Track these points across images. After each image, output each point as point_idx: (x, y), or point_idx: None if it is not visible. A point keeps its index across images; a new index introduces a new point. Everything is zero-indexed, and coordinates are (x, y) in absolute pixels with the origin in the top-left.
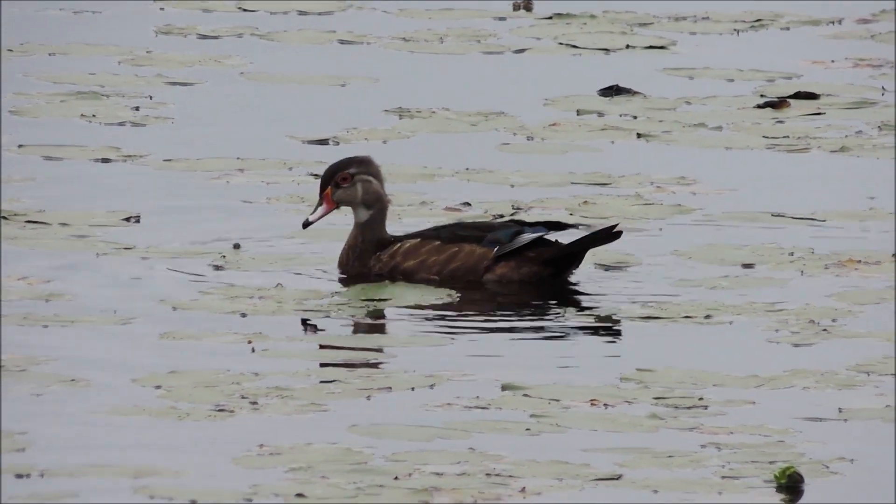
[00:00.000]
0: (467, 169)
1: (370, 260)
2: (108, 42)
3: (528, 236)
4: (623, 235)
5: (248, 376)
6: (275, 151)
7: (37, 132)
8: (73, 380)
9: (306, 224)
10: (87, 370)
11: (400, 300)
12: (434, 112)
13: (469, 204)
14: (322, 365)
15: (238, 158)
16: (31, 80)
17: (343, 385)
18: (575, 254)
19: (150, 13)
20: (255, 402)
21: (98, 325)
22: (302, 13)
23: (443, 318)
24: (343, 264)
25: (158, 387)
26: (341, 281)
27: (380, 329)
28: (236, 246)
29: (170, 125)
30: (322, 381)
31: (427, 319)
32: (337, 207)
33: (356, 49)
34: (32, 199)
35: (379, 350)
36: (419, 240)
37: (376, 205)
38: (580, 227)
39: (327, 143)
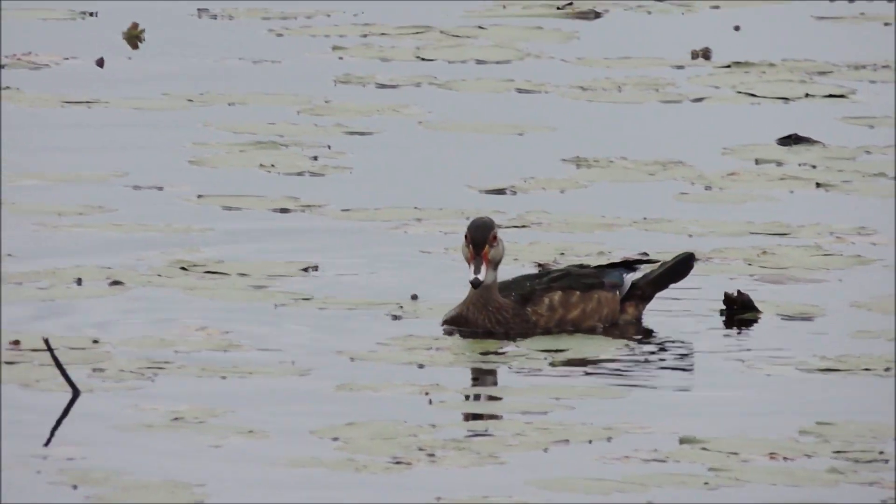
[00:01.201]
0: (645, 218)
1: (529, 315)
2: (287, 91)
3: (629, 276)
4: (803, 286)
5: (426, 428)
6: (452, 201)
7: (216, 182)
8: (250, 431)
9: (478, 284)
10: (265, 421)
11: (577, 351)
12: (612, 161)
13: (647, 254)
14: (499, 417)
15: (416, 208)
16: (211, 130)
17: (520, 437)
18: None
19: (329, 63)
20: (432, 454)
21: (276, 376)
22: (480, 62)
23: (619, 368)
24: (482, 325)
25: (336, 438)
26: (513, 334)
27: (557, 380)
28: (414, 297)
29: (348, 175)
30: (499, 434)
31: (604, 370)
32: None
33: (534, 98)
34: (211, 249)
35: (556, 401)
36: (560, 292)
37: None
38: (649, 262)
39: (504, 193)
